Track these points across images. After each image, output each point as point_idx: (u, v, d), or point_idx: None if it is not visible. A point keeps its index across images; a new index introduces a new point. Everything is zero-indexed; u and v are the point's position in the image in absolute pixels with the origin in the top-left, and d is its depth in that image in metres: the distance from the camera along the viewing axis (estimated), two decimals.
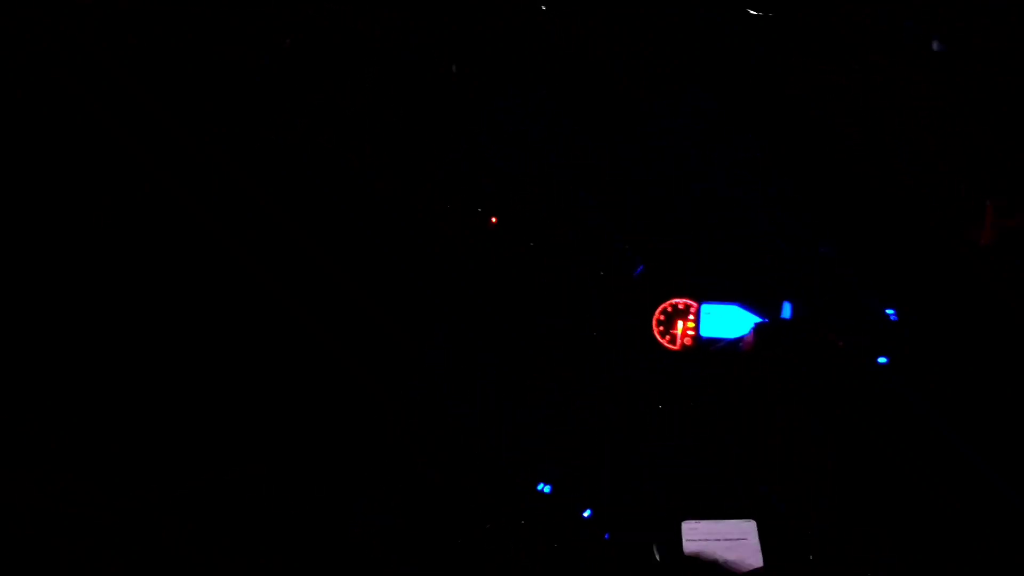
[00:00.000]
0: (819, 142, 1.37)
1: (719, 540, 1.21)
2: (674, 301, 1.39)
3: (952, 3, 1.29)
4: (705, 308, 1.39)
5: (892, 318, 1.29)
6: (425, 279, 1.37)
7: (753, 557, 1.20)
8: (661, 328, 1.39)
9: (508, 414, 1.34)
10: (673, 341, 1.39)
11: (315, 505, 1.24)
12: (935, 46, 1.29)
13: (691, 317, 1.39)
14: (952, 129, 1.33)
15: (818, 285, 1.35)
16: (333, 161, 1.37)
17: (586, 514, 1.27)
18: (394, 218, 1.38)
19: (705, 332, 1.38)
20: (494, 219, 1.38)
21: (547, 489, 1.28)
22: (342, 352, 1.32)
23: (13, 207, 1.32)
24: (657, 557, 1.21)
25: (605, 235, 1.39)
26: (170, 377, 1.30)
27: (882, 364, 1.27)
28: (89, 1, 1.32)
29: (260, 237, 1.33)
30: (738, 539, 1.21)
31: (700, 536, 1.21)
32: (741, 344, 1.33)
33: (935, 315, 1.29)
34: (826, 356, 1.27)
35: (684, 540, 1.21)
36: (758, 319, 1.34)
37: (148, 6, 1.34)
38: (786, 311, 1.34)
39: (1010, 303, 1.27)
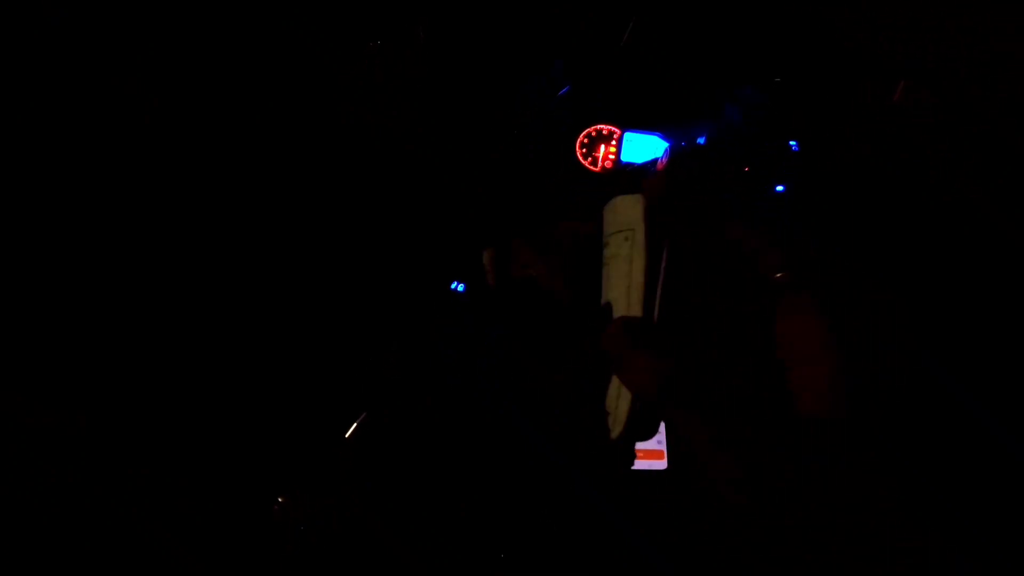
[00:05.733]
0: None
1: None
2: (599, 127, 1.48)
3: None
4: (628, 135, 1.47)
5: (794, 148, 1.39)
6: None
7: None
8: (584, 150, 1.47)
9: None
10: (595, 163, 1.48)
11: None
12: None
13: (613, 142, 1.47)
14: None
15: (733, 117, 1.44)
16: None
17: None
18: None
19: (625, 157, 1.47)
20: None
21: (460, 288, 1.38)
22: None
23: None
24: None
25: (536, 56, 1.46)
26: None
27: (779, 192, 1.37)
28: None
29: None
30: None
31: None
32: (656, 167, 1.42)
33: (834, 148, 1.40)
34: (732, 178, 1.37)
35: None
36: (672, 144, 1.43)
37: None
38: (700, 140, 1.43)
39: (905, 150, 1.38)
